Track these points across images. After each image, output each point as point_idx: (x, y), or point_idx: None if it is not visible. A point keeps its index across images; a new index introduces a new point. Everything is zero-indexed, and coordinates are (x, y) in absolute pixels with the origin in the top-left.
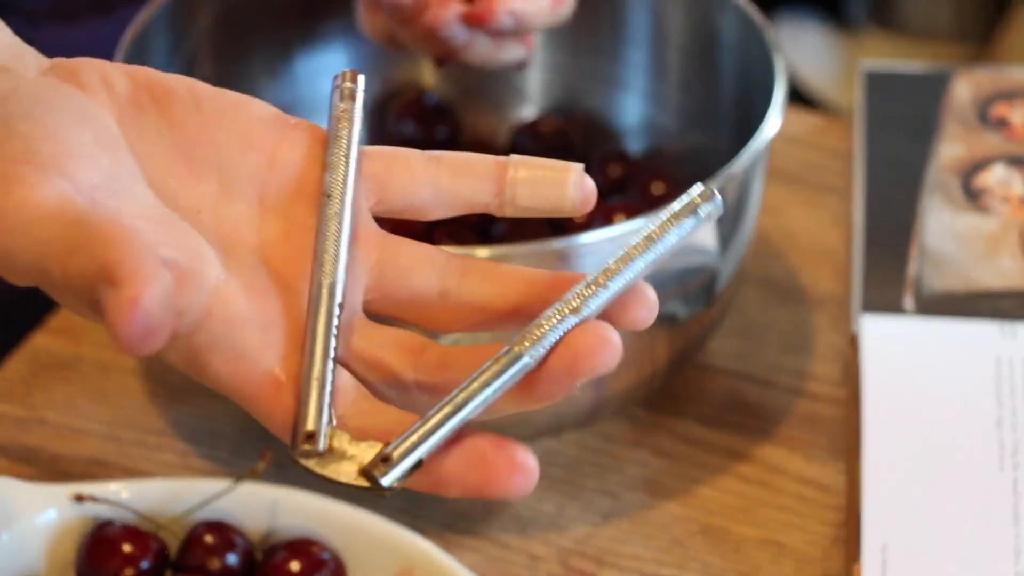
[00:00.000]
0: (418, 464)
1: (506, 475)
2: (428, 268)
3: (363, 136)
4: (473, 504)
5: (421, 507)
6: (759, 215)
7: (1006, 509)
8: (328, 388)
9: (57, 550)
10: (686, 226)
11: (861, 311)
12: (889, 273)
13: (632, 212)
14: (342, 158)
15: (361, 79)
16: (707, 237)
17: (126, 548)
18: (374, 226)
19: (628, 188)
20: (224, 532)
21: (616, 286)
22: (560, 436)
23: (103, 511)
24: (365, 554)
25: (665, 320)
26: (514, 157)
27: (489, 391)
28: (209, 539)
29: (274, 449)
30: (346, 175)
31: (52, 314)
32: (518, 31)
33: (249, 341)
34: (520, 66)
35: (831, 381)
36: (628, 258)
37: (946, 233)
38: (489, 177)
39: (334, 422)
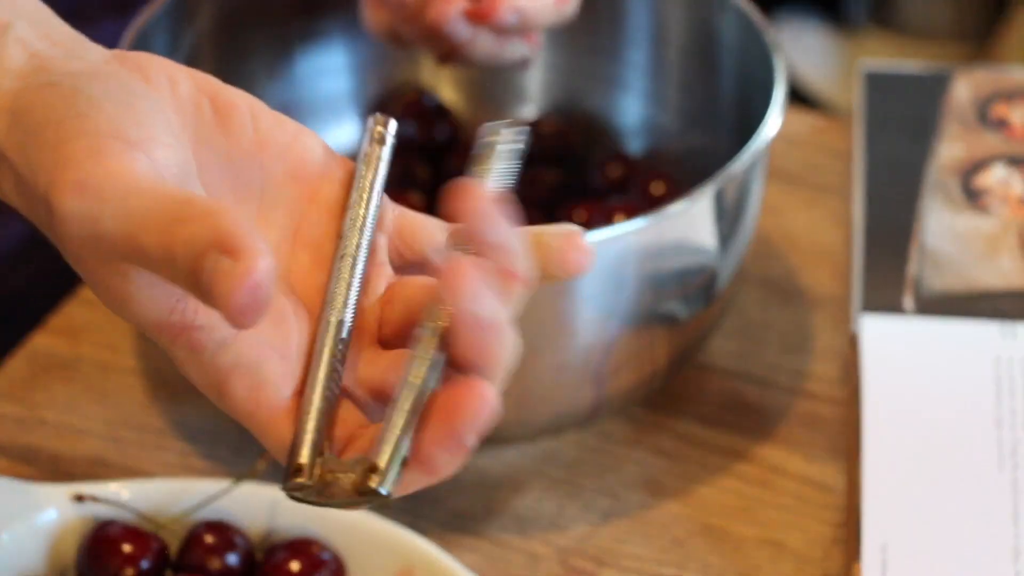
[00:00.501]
0: (403, 462)
1: (468, 401)
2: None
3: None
4: (473, 504)
5: (421, 507)
6: (759, 215)
7: (1006, 509)
8: (320, 423)
9: (58, 550)
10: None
11: (861, 311)
12: (889, 273)
13: (632, 212)
14: (363, 201)
15: (393, 125)
16: (707, 237)
17: (126, 548)
18: (389, 270)
19: (628, 188)
20: (224, 532)
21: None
22: (560, 436)
23: (103, 511)
24: (365, 554)
25: (665, 320)
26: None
27: (435, 371)
28: (209, 539)
29: None
30: (364, 218)
31: (52, 314)
32: (522, 28)
33: (272, 369)
34: (523, 65)
35: (831, 381)
36: (366, 209)
37: (946, 233)
38: None
39: (326, 453)
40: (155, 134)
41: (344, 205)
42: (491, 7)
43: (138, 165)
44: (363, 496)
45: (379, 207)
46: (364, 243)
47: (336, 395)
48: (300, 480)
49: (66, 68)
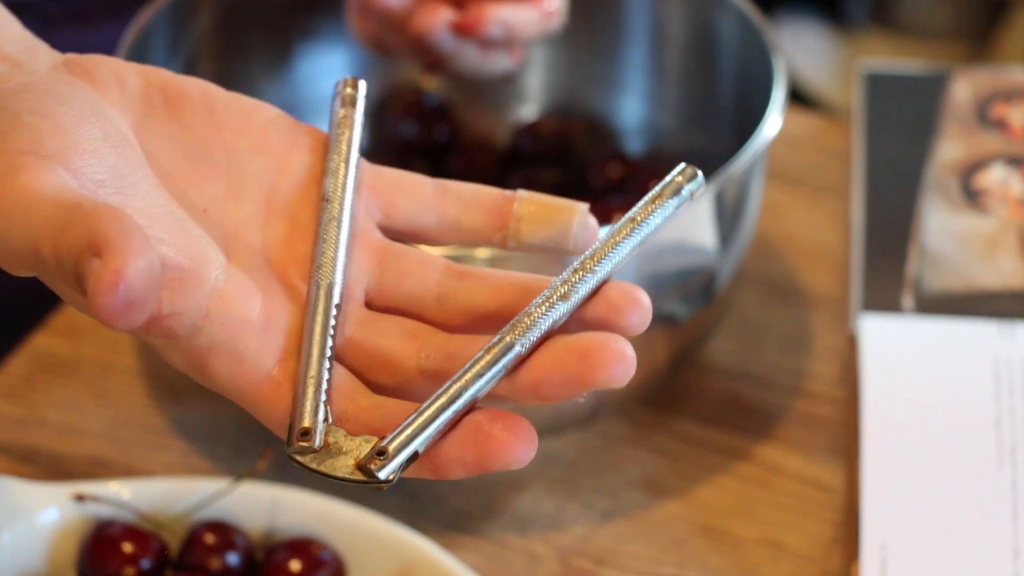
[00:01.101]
0: (414, 456)
1: (504, 445)
2: (428, 273)
3: (365, 139)
4: (473, 503)
5: (421, 507)
6: (759, 215)
7: (1005, 508)
8: (324, 386)
9: (58, 549)
10: (670, 206)
11: (860, 311)
12: (888, 273)
13: None
14: (341, 163)
15: (362, 85)
16: (707, 237)
17: (127, 547)
18: (377, 233)
19: (628, 188)
20: (224, 532)
21: (604, 270)
22: (560, 436)
23: (104, 510)
24: (365, 554)
25: (665, 320)
26: (521, 192)
27: (482, 380)
28: (210, 538)
29: (275, 448)
30: (345, 180)
31: (53, 314)
32: (507, 42)
33: (248, 343)
34: (508, 78)
35: (830, 381)
36: (614, 242)
37: (945, 233)
38: (494, 211)
39: (330, 419)
40: (77, 142)
41: (314, 173)
42: (476, 20)
43: (49, 177)
44: (363, 476)
45: (357, 168)
46: (347, 205)
47: (331, 358)
48: (305, 444)
49: (1, 83)
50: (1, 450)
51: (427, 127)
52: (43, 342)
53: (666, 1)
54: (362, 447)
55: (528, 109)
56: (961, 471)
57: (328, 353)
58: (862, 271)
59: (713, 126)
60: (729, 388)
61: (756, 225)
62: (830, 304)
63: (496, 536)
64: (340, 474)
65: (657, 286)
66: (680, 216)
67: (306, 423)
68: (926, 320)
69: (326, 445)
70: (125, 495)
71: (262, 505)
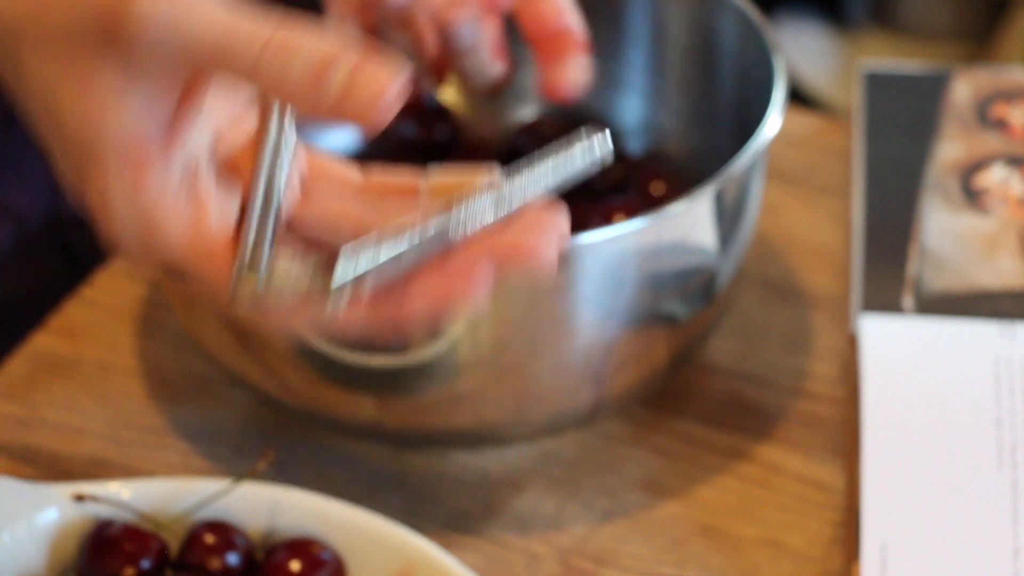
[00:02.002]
0: (362, 278)
1: (466, 276)
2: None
3: (365, 141)
4: (473, 503)
5: (421, 507)
6: (759, 215)
7: (1005, 508)
8: (270, 228)
9: (58, 550)
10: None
11: (860, 311)
12: (888, 273)
13: (631, 212)
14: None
15: None
16: (707, 237)
17: (127, 548)
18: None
19: (628, 188)
20: (224, 532)
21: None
22: (560, 436)
23: (104, 511)
24: (365, 554)
25: (665, 320)
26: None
27: (427, 246)
28: (209, 539)
29: (275, 448)
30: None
31: (53, 314)
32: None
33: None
34: (494, 92)
35: (830, 380)
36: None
37: (945, 233)
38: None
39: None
40: None
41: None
42: (560, 84)
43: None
44: (313, 285)
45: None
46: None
47: (278, 211)
48: (249, 275)
49: None
50: (1, 450)
51: (427, 127)
52: (43, 342)
53: (666, 1)
54: (311, 269)
55: (528, 109)
56: (961, 471)
57: (275, 204)
58: (862, 271)
59: (713, 126)
60: (729, 388)
61: (756, 225)
62: (830, 304)
63: (496, 536)
64: (289, 292)
65: (657, 286)
66: (680, 216)
67: (247, 258)
68: (926, 320)
69: (272, 271)
70: (125, 495)
71: (262, 505)
